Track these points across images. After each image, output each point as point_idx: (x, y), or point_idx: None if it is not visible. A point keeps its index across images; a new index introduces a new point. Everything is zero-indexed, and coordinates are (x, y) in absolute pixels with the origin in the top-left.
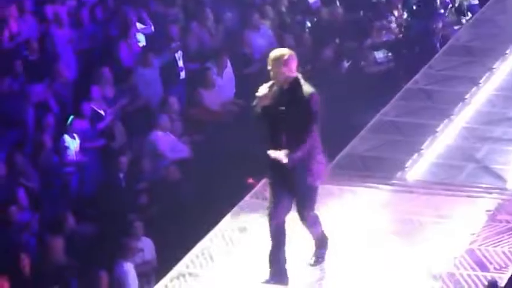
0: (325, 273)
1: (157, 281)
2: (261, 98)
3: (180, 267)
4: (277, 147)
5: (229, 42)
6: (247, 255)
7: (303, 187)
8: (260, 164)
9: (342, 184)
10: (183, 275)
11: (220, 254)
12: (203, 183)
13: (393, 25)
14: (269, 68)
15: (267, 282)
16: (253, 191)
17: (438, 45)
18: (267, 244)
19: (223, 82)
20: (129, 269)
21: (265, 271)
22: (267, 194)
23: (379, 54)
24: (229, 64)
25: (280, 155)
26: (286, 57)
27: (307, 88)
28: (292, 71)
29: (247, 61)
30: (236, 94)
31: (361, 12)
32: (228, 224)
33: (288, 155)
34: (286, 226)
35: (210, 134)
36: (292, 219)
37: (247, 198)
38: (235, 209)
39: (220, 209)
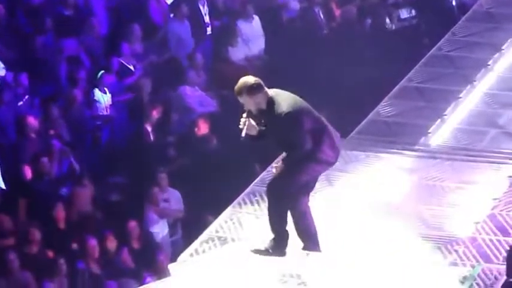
0: (347, 236)
1: (185, 232)
2: (246, 128)
3: (209, 231)
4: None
5: None
6: None
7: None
8: None
9: (368, 150)
10: (213, 239)
11: (249, 218)
12: (230, 137)
13: None
14: (239, 99)
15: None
16: (279, 157)
17: (455, 3)
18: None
19: (251, 37)
20: (158, 217)
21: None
22: None
23: (403, 11)
24: (257, 19)
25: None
26: (248, 87)
27: (283, 106)
28: (260, 97)
29: (277, 15)
30: (265, 49)
31: None
32: (256, 189)
33: None
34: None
35: None
36: None
37: (274, 163)
38: (263, 174)
39: (246, 163)
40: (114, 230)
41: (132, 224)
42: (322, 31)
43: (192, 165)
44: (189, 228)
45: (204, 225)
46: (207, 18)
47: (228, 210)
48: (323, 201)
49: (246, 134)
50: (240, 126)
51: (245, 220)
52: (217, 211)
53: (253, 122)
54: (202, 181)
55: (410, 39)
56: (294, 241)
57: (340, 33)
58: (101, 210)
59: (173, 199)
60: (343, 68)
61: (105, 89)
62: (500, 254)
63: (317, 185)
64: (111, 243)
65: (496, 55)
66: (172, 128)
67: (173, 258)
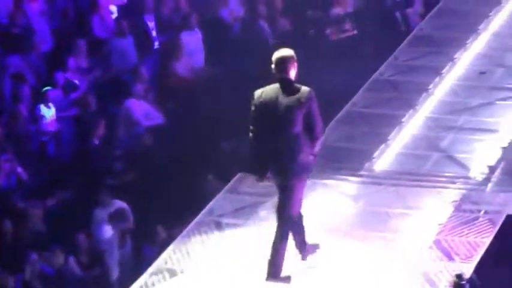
0: (295, 264)
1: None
2: None
3: (158, 263)
4: None
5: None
6: (223, 250)
7: None
8: (230, 128)
9: (314, 177)
10: (161, 271)
11: (197, 249)
12: (177, 148)
13: None
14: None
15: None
16: (227, 186)
17: (400, 18)
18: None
19: (193, 49)
20: (108, 230)
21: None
22: (242, 188)
23: (346, 22)
24: (198, 31)
25: None
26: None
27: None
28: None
29: (224, 26)
30: (209, 60)
31: None
32: (204, 219)
33: None
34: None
35: (182, 101)
36: None
37: (222, 193)
38: (211, 204)
39: (194, 174)
40: (62, 244)
41: (81, 237)
42: (267, 42)
43: (139, 178)
44: (139, 241)
45: (154, 239)
46: (154, 33)
47: (177, 241)
48: (270, 229)
49: None
50: None
51: (194, 251)
52: (166, 224)
53: None
54: (151, 194)
55: (354, 49)
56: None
57: (284, 44)
58: (48, 225)
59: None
60: None
61: (50, 104)
62: (446, 279)
63: (263, 213)
64: (58, 258)
65: (437, 79)
66: (119, 142)
67: (122, 271)
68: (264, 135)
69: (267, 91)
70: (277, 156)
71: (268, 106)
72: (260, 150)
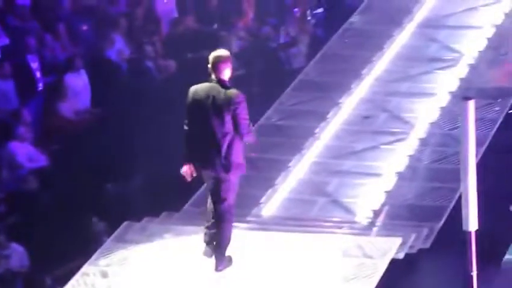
0: None
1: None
2: None
3: None
4: None
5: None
6: None
7: None
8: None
9: (202, 224)
10: None
11: None
12: (62, 191)
13: (242, 33)
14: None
15: None
16: (114, 234)
17: (284, 58)
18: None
19: (79, 91)
20: None
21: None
22: (128, 236)
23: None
24: (84, 72)
25: None
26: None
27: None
28: None
29: (111, 67)
30: (96, 101)
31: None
32: (89, 268)
33: None
34: None
35: (67, 143)
36: None
37: (108, 241)
38: (97, 252)
39: (79, 217)
40: None
41: None
42: (154, 83)
43: (23, 221)
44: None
45: (40, 286)
46: (38, 74)
47: None
48: (157, 277)
49: None
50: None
51: None
52: (51, 269)
53: None
54: (34, 237)
55: (240, 89)
56: None
57: (169, 86)
58: None
59: (15, 255)
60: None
61: None
62: None
63: (150, 261)
64: None
65: (322, 124)
66: (2, 184)
67: None
68: (195, 130)
69: (201, 89)
70: (207, 152)
71: (200, 104)
72: (192, 144)
